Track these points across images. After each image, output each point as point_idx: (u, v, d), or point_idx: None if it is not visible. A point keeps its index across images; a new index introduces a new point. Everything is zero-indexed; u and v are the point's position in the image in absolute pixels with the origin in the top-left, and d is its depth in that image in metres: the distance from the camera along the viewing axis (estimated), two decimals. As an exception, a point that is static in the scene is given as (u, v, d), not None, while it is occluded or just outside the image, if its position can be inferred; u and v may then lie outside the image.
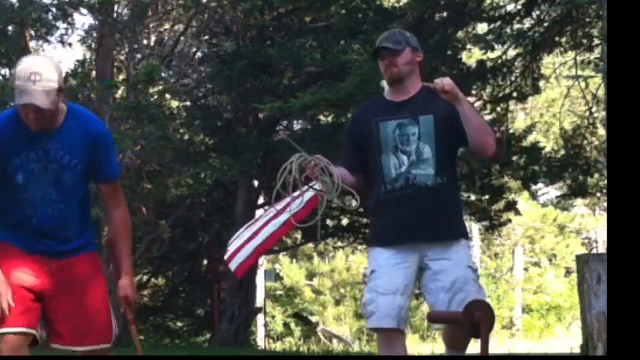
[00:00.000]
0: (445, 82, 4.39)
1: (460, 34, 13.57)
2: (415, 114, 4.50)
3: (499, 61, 13.62)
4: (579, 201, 25.66)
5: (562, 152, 15.23)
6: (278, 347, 23.02)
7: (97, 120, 4.24)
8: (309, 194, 4.98)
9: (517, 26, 13.18)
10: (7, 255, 4.04)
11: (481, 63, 13.73)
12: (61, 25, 15.97)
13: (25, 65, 3.86)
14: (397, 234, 4.45)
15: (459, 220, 4.60)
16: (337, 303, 27.33)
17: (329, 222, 18.44)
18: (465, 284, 4.40)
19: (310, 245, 23.11)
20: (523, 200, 22.90)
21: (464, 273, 4.42)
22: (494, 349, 15.92)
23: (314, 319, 26.93)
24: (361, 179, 4.57)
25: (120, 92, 15.52)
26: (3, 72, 15.12)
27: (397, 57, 4.54)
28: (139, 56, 16.73)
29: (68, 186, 4.06)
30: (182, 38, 16.73)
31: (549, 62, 17.25)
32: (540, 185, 21.01)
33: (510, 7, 13.25)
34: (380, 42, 4.59)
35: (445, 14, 13.13)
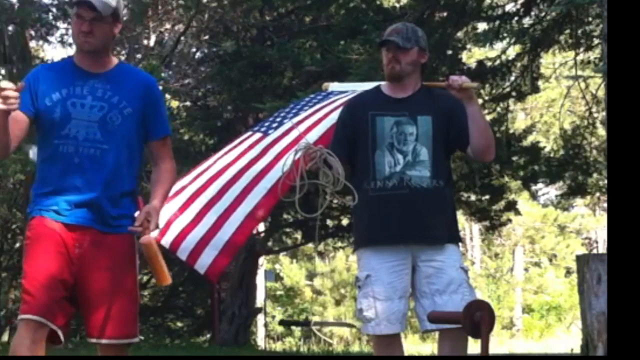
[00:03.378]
0: (463, 79, 4.36)
1: (460, 34, 13.58)
2: (413, 112, 4.43)
3: (498, 61, 13.62)
4: (579, 201, 25.68)
5: (562, 151, 15.24)
6: (278, 347, 23.02)
7: (150, 75, 4.17)
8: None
9: (516, 25, 13.18)
10: (38, 239, 3.81)
11: (481, 63, 13.75)
12: (61, 25, 15.99)
13: None
14: (387, 233, 4.36)
15: (452, 224, 4.53)
16: (337, 303, 27.33)
17: (329, 222, 18.43)
18: (459, 285, 4.37)
19: (310, 245, 23.09)
20: (523, 200, 22.89)
21: (457, 275, 4.39)
22: (494, 349, 15.93)
23: (313, 319, 26.92)
24: (348, 170, 4.40)
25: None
26: (3, 71, 15.12)
27: (403, 55, 4.46)
28: (139, 56, 16.74)
29: (114, 127, 3.87)
30: (182, 38, 16.73)
31: (549, 62, 17.27)
32: (540, 185, 21.00)
33: (509, 7, 13.25)
34: (390, 33, 4.48)
35: (444, 14, 13.13)
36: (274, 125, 5.67)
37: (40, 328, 3.72)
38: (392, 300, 4.34)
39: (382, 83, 4.60)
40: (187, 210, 5.27)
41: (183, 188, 5.41)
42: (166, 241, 5.20)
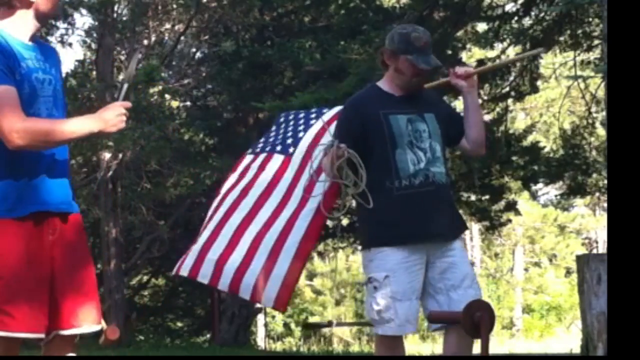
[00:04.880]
0: (468, 69, 4.50)
1: (459, 33, 13.58)
2: (420, 110, 4.44)
3: (498, 61, 13.62)
4: (579, 201, 25.69)
5: (562, 151, 15.24)
6: (278, 347, 23.03)
7: None
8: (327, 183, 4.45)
9: (516, 25, 13.19)
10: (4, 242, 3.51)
11: (481, 62, 13.74)
12: (61, 25, 15.99)
13: None
14: (415, 231, 4.31)
15: (458, 218, 4.61)
16: (337, 303, 27.33)
17: (329, 222, 18.44)
18: (472, 280, 4.42)
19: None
20: (523, 200, 22.90)
21: (469, 269, 4.45)
22: (494, 349, 15.92)
23: (313, 319, 26.92)
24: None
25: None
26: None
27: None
28: (139, 56, 16.74)
29: (63, 102, 3.73)
30: (182, 38, 16.73)
31: (549, 62, 17.26)
32: (540, 185, 21.02)
33: (509, 7, 13.26)
34: (426, 50, 4.43)
35: (444, 14, 13.13)
36: (289, 142, 5.46)
37: None
38: (410, 300, 4.32)
39: (379, 82, 4.55)
40: (237, 249, 5.08)
41: (220, 227, 5.27)
42: (223, 284, 5.08)
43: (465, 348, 4.33)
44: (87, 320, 3.62)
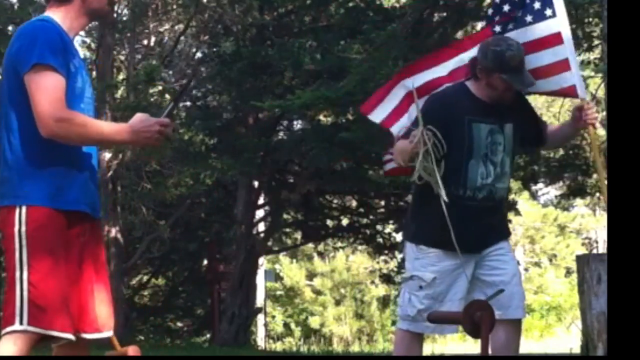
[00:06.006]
0: (596, 116, 4.56)
1: (459, 33, 13.57)
2: (501, 120, 4.45)
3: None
4: (579, 201, 25.65)
5: (561, 152, 15.24)
6: (278, 347, 23.03)
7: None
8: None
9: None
10: (47, 239, 3.40)
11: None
12: (61, 25, 15.96)
13: None
14: (467, 241, 4.34)
15: (506, 223, 4.82)
16: (337, 303, 27.32)
17: (329, 222, 18.44)
18: (520, 279, 4.52)
19: (310, 245, 23.10)
20: (523, 200, 22.91)
21: (517, 269, 4.53)
22: (493, 348, 15.83)
23: (313, 319, 26.91)
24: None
25: (120, 92, 15.52)
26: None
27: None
28: (139, 56, 16.73)
29: (94, 105, 3.76)
30: (182, 38, 16.72)
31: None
32: (540, 185, 21.01)
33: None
34: (522, 71, 4.39)
35: (444, 14, 13.13)
36: None
37: None
38: (452, 301, 4.38)
39: (467, 82, 4.51)
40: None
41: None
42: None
43: (513, 343, 4.46)
44: (107, 326, 3.62)
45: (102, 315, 3.60)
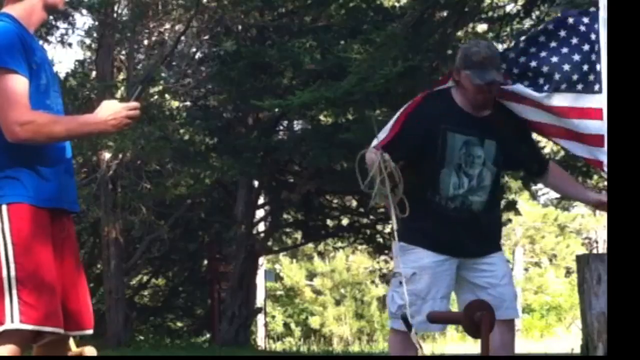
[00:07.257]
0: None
1: (459, 34, 13.57)
2: (482, 134, 4.43)
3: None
4: (579, 201, 25.60)
5: (562, 152, 15.22)
6: (278, 347, 23.02)
7: None
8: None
9: (516, 26, 13.17)
10: (31, 235, 3.41)
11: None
12: (61, 25, 15.98)
13: None
14: (443, 244, 4.41)
15: (499, 233, 4.72)
16: (337, 303, 27.32)
17: (329, 222, 18.43)
18: (511, 278, 4.53)
19: (310, 245, 23.10)
20: (523, 200, 22.91)
21: (507, 269, 4.54)
22: (493, 348, 15.82)
23: (313, 319, 26.90)
24: (404, 177, 4.36)
25: (120, 92, 15.52)
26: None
27: (496, 86, 4.40)
28: (139, 56, 16.73)
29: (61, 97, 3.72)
30: (182, 38, 16.71)
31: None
32: (540, 185, 20.98)
33: (510, 7, 13.24)
34: (487, 66, 4.33)
35: (444, 14, 13.11)
36: None
37: None
38: (434, 300, 4.40)
39: (454, 89, 4.49)
40: None
41: None
42: None
43: (508, 342, 4.48)
44: (89, 324, 3.62)
45: (84, 312, 3.59)
